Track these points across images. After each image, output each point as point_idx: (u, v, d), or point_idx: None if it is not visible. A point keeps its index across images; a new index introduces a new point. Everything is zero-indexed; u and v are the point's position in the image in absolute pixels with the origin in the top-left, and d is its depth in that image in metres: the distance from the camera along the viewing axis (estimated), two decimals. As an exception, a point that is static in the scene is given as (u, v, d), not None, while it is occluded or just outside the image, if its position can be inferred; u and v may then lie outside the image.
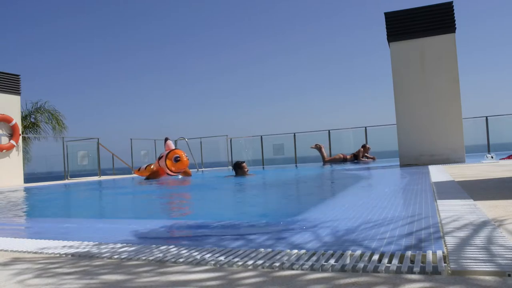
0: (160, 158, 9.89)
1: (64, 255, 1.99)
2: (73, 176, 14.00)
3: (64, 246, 2.17)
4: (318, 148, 14.27)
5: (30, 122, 19.03)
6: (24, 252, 2.12)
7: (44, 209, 5.94)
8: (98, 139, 14.59)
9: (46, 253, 2.05)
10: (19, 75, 12.38)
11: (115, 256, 1.88)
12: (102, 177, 13.85)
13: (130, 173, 15.48)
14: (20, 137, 12.11)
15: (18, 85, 12.32)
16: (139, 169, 11.30)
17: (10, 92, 12.00)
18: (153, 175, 9.80)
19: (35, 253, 2.08)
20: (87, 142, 14.76)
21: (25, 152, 16.18)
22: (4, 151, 11.55)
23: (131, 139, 15.74)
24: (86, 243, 2.23)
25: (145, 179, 9.97)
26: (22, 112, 15.42)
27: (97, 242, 2.23)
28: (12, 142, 11.73)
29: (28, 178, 12.69)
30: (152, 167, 10.66)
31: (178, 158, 9.52)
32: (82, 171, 14.38)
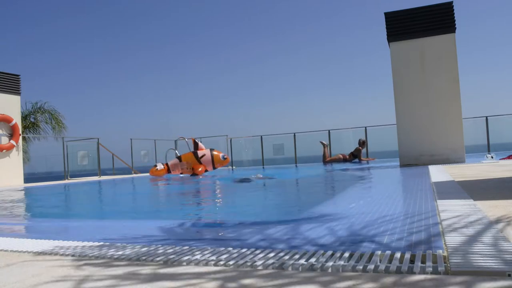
0: (201, 156, 11.10)
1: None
2: (73, 176, 14.00)
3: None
4: (324, 145, 14.32)
5: (30, 122, 19.04)
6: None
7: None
8: (98, 139, 14.60)
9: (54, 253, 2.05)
10: (19, 75, 12.38)
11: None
12: (102, 177, 13.86)
13: (130, 173, 15.49)
14: (20, 137, 12.11)
15: (18, 85, 12.32)
16: (156, 168, 11.45)
17: (10, 92, 12.00)
18: (195, 172, 11.03)
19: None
20: (87, 142, 14.77)
21: (25, 152, 16.18)
22: (4, 151, 11.56)
23: (131, 139, 15.74)
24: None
25: (191, 175, 10.93)
26: (22, 112, 15.42)
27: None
28: (12, 142, 11.74)
29: (28, 178, 12.69)
30: (161, 166, 11.40)
31: (226, 157, 11.11)
32: (82, 171, 14.39)
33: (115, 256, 1.88)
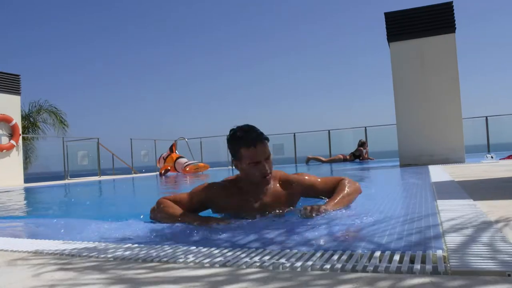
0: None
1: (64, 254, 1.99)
2: (73, 176, 14.01)
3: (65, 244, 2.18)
4: (309, 159, 14.07)
5: (30, 122, 19.04)
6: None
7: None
8: (98, 139, 14.61)
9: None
10: (19, 75, 12.39)
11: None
12: (102, 177, 13.86)
13: (130, 173, 15.50)
14: (20, 137, 12.11)
15: (18, 85, 12.33)
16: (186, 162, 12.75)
17: (10, 92, 12.01)
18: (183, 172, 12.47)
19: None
20: (87, 142, 14.79)
21: (25, 152, 16.19)
22: (4, 151, 11.56)
23: (131, 139, 15.76)
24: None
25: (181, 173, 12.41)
26: (22, 111, 15.42)
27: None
28: (12, 142, 11.74)
29: (28, 178, 12.71)
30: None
31: None
32: (82, 171, 14.41)
33: (123, 257, 1.88)
